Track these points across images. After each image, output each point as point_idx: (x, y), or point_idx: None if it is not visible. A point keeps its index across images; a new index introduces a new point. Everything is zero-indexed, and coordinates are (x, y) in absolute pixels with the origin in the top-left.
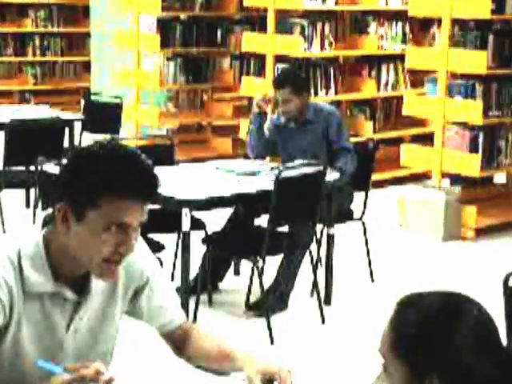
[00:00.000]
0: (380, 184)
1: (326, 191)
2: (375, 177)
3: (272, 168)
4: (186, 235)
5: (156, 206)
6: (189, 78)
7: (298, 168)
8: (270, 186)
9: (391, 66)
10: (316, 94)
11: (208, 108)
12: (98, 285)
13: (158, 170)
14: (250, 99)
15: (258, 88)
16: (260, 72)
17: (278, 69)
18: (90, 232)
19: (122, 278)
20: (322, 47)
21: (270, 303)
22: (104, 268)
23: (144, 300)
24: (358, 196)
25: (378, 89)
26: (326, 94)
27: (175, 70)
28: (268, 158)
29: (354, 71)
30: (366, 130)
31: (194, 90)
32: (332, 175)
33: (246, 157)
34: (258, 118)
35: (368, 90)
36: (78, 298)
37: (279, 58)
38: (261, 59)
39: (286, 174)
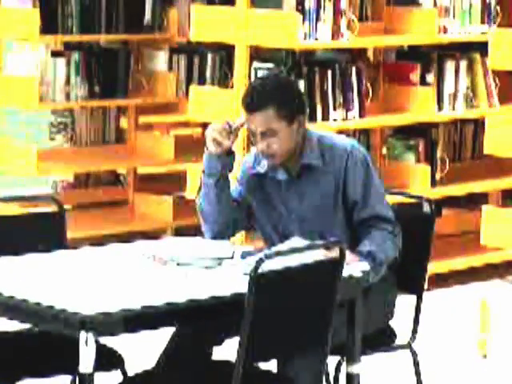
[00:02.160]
0: (443, 279)
1: (346, 296)
2: (435, 267)
3: (245, 254)
4: (87, 380)
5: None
6: (94, 89)
7: (293, 255)
8: (242, 288)
9: (463, 65)
10: (325, 117)
11: (129, 143)
12: None
13: (33, 260)
14: (205, 127)
15: (218, 107)
16: (223, 78)
17: (255, 73)
18: None
19: None
20: (337, 33)
21: None
22: None
23: None
24: (405, 302)
25: (440, 106)
26: (345, 117)
27: (69, 74)
28: (238, 237)
29: (394, 75)
30: (419, 182)
31: (103, 110)
32: (356, 267)
33: (197, 233)
34: (216, 162)
35: (421, 108)
36: None
37: (258, 53)
38: (225, 54)
39: (271, 265)
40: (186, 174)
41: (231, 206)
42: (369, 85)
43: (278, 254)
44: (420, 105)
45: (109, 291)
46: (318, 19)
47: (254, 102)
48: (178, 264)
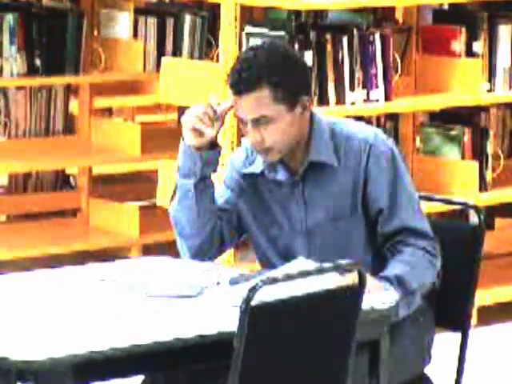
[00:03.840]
0: (495, 312)
1: (367, 335)
2: (485, 296)
3: (234, 280)
4: None
5: None
6: (34, 63)
7: (297, 281)
8: (230, 325)
9: None
10: (339, 100)
11: (82, 134)
12: None
13: None
14: (182, 112)
15: (198, 86)
16: (205, 48)
17: (246, 41)
18: None
19: None
20: None
21: None
22: None
23: None
24: (446, 342)
25: (491, 85)
26: (366, 98)
27: (0, 43)
28: (226, 257)
29: (431, 43)
30: (464, 185)
31: (48, 91)
32: (380, 296)
33: (172, 252)
34: (196, 158)
35: (466, 87)
36: None
37: (251, 15)
38: (207, 17)
39: (268, 294)
40: (157, 175)
41: (216, 216)
42: (397, 56)
43: (278, 279)
44: (465, 83)
45: (54, 331)
46: None
47: (243, 80)
48: (146, 293)
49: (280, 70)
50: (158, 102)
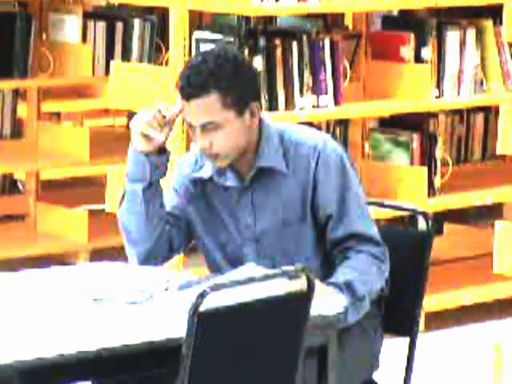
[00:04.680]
0: (443, 317)
1: (315, 341)
2: (433, 301)
3: (183, 285)
4: None
5: None
6: None
7: (245, 286)
8: (178, 331)
9: (470, 36)
10: (289, 105)
11: (29, 138)
12: None
13: None
14: (131, 117)
15: (147, 90)
16: (154, 52)
17: (196, 46)
18: None
19: None
20: None
21: None
22: None
23: None
24: (394, 347)
25: (440, 90)
26: (316, 104)
27: None
28: (175, 262)
29: (380, 49)
30: (412, 190)
31: None
32: (329, 302)
33: (120, 257)
34: (145, 164)
35: (415, 93)
36: None
37: (201, 20)
38: (157, 21)
39: (217, 300)
40: (105, 180)
41: (164, 222)
42: (347, 62)
43: (226, 285)
44: (414, 89)
45: None
46: None
47: (191, 85)
48: (95, 299)
49: (229, 76)
50: (107, 107)
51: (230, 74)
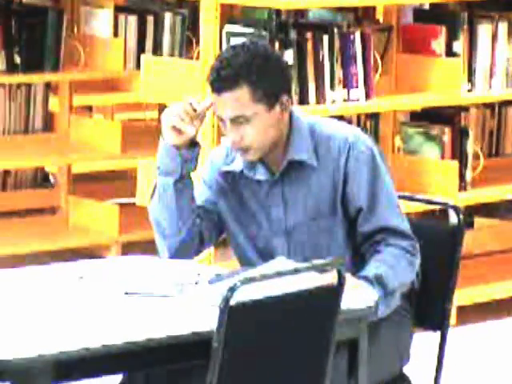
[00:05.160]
0: (475, 311)
1: (346, 335)
2: (464, 296)
3: (213, 279)
4: None
5: None
6: (13, 60)
7: (276, 280)
8: (209, 324)
9: (502, 29)
10: (319, 99)
11: (61, 132)
12: None
13: None
14: (162, 110)
15: (178, 84)
16: (185, 46)
17: (227, 40)
18: None
19: None
20: None
21: None
22: None
23: None
24: (425, 341)
25: (471, 84)
26: (347, 98)
27: None
28: (205, 256)
29: (411, 42)
30: (444, 184)
31: (27, 88)
32: (360, 296)
33: (151, 251)
34: (176, 157)
35: (446, 86)
36: None
37: (232, 14)
38: (188, 15)
39: (247, 294)
40: (136, 173)
41: (195, 215)
42: (378, 55)
43: (257, 279)
44: (445, 82)
45: (31, 330)
46: None
47: (222, 78)
48: (125, 293)
49: (259, 70)
50: (138, 100)
51: (261, 67)
